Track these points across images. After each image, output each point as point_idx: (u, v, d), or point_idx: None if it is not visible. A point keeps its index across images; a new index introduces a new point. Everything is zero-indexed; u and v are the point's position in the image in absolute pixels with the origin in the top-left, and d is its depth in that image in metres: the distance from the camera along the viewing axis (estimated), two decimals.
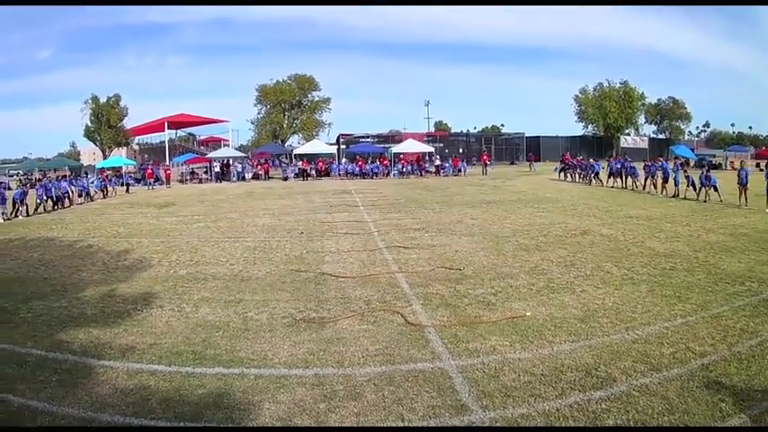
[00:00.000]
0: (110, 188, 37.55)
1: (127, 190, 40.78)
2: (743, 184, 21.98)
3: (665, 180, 27.47)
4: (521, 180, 41.46)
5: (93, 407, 5.88)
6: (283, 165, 56.91)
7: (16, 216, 24.64)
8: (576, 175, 39.19)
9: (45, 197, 27.62)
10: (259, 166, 54.79)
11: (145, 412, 5.76)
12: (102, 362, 7.13)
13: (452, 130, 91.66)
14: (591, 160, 40.43)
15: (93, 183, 36.90)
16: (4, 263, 13.76)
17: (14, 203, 25.15)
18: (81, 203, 31.39)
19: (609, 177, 34.13)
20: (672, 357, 6.84)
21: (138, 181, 48.48)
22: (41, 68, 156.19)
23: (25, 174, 57.38)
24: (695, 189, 24.52)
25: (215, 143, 78.12)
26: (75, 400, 6.05)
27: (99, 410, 5.80)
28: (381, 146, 64.65)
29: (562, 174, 41.45)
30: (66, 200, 29.99)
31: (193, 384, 6.45)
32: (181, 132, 78.76)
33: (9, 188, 29.42)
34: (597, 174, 35.91)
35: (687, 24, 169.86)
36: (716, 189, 23.68)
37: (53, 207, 27.89)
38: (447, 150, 67.74)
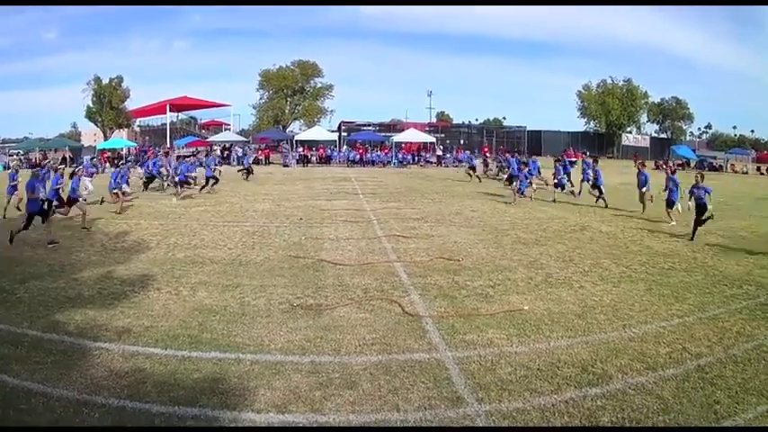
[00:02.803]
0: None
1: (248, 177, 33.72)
2: (640, 187, 20.49)
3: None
4: None
5: (88, 389, 5.86)
6: (284, 150, 56.67)
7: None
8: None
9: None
10: (260, 152, 54.66)
11: (140, 395, 5.75)
12: (97, 344, 7.11)
13: (454, 122, 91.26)
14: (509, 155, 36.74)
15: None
16: (2, 243, 13.68)
17: (181, 183, 23.78)
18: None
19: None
20: (668, 357, 6.85)
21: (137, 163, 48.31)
22: (44, 50, 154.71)
23: (25, 153, 56.85)
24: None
25: (216, 127, 77.87)
26: (69, 381, 6.03)
27: (93, 393, 5.78)
28: (383, 134, 64.58)
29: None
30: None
31: (189, 368, 6.44)
32: (182, 115, 78.46)
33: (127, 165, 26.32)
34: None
35: (693, 25, 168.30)
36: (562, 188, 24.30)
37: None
38: (448, 141, 67.55)
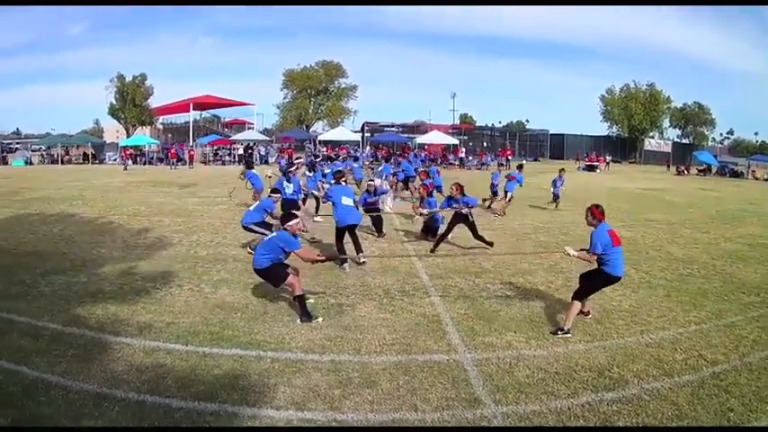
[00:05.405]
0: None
1: None
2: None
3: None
4: (544, 177, 41.11)
5: (108, 383, 5.91)
6: (308, 150, 56.79)
7: None
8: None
9: None
10: (282, 151, 54.89)
11: (160, 390, 5.78)
12: (118, 338, 7.17)
13: (477, 124, 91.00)
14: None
15: None
16: (24, 237, 13.87)
17: None
18: None
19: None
20: (684, 363, 6.82)
21: (160, 160, 48.85)
22: (67, 44, 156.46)
23: (47, 149, 57.10)
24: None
25: (239, 126, 78.33)
26: (89, 375, 6.08)
27: (113, 386, 5.82)
28: (406, 135, 64.72)
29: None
30: None
31: (210, 365, 6.47)
32: (205, 113, 79.00)
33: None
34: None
35: (717, 31, 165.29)
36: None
37: None
38: (471, 143, 67.52)
